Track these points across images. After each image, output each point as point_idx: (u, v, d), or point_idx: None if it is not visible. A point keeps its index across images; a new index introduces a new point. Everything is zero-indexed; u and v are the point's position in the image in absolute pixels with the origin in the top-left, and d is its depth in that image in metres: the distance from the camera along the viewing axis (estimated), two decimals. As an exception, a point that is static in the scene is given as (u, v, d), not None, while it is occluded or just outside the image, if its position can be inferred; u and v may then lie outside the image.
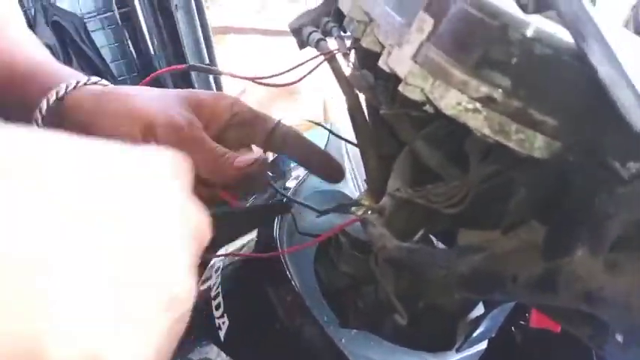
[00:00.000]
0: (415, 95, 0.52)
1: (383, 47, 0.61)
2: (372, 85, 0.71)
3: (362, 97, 0.77)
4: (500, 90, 0.44)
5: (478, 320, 0.70)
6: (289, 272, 0.72)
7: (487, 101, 0.44)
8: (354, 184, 1.18)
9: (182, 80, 3.10)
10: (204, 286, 0.84)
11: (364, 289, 0.82)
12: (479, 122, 0.46)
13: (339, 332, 0.73)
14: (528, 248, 0.47)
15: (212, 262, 0.89)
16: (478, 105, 0.45)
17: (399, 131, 0.63)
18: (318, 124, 1.08)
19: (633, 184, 0.39)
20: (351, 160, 1.14)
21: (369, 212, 0.63)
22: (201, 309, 0.82)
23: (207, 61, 3.15)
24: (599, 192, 0.40)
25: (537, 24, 0.43)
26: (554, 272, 0.45)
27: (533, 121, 0.44)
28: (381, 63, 0.60)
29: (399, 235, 0.56)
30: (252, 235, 0.88)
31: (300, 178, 1.01)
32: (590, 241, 0.42)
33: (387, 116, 0.62)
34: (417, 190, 0.60)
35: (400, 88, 0.53)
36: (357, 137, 0.78)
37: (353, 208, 0.69)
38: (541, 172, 0.51)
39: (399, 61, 0.52)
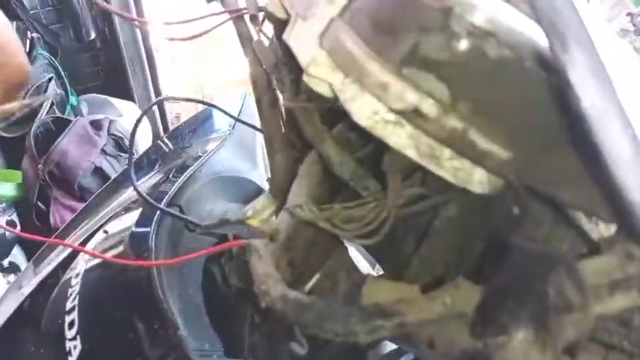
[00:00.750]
0: (322, 89, 0.38)
1: (289, 16, 0.46)
2: (280, 62, 0.56)
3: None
4: (432, 102, 0.30)
5: (396, 356, 0.59)
6: (161, 292, 0.57)
7: (414, 116, 0.31)
8: (265, 166, 1.03)
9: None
10: (59, 291, 0.67)
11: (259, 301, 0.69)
12: (401, 140, 0.33)
13: (222, 365, 0.59)
14: (452, 318, 0.35)
15: (74, 263, 0.72)
16: (402, 119, 0.32)
17: (304, 128, 0.48)
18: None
19: (608, 254, 0.28)
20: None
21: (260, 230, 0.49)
22: (51, 320, 0.65)
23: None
24: (553, 262, 0.29)
25: (493, 11, 0.29)
26: (483, 354, 0.33)
27: (474, 150, 0.31)
28: (285, 37, 0.45)
29: (291, 274, 0.42)
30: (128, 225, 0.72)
31: (199, 160, 0.84)
32: (536, 322, 0.30)
33: (290, 107, 0.48)
34: (324, 209, 0.46)
35: (304, 77, 0.39)
36: (261, 123, 0.62)
37: (242, 222, 0.55)
38: (478, 208, 0.39)
39: (301, 40, 0.38)
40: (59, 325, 0.62)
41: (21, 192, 1.92)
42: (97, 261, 0.71)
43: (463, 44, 0.29)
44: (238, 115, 1.01)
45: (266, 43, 0.62)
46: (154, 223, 0.67)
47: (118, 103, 2.25)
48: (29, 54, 2.03)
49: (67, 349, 0.59)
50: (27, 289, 0.78)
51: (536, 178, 0.30)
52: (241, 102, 1.05)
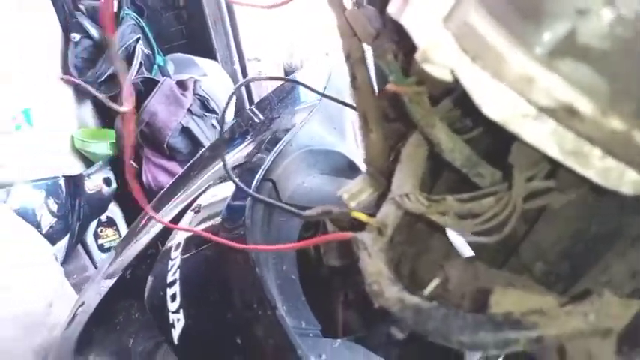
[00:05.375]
0: (441, 73, 0.34)
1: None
2: (378, 34, 0.52)
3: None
4: (588, 99, 0.25)
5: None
6: (258, 270, 0.57)
7: (563, 114, 0.26)
8: (355, 137, 1.00)
9: None
10: (160, 263, 0.69)
11: (357, 279, 0.67)
12: (542, 137, 0.29)
13: (318, 344, 0.59)
14: (595, 333, 0.31)
15: (172, 234, 0.73)
16: (544, 114, 0.28)
17: (412, 111, 0.44)
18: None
19: None
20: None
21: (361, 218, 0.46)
22: (153, 290, 0.67)
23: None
24: None
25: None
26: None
27: (636, 153, 0.26)
28: (391, 9, 0.41)
29: (400, 273, 0.40)
30: (221, 206, 0.72)
31: (289, 133, 0.82)
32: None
33: (397, 91, 0.44)
34: (435, 200, 0.43)
35: (418, 58, 0.35)
36: (355, 100, 0.59)
37: (340, 210, 0.52)
38: (600, 195, 0.34)
39: (419, 19, 0.33)
40: (161, 297, 0.64)
41: (115, 151, 2.01)
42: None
43: (630, 30, 0.24)
44: (325, 86, 0.97)
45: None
46: (248, 200, 0.66)
47: (202, 62, 2.28)
48: (117, 15, 2.08)
49: (171, 321, 0.61)
50: (127, 258, 0.82)
51: None
52: (328, 72, 1.01)
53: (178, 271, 0.65)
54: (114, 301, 0.77)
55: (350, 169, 0.87)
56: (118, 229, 2.06)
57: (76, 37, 2.01)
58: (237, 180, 0.68)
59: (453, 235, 0.47)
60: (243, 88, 2.40)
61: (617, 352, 0.31)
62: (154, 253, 0.74)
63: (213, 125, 2.08)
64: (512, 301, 0.34)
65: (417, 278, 0.47)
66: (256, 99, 2.40)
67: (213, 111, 2.07)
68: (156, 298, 0.65)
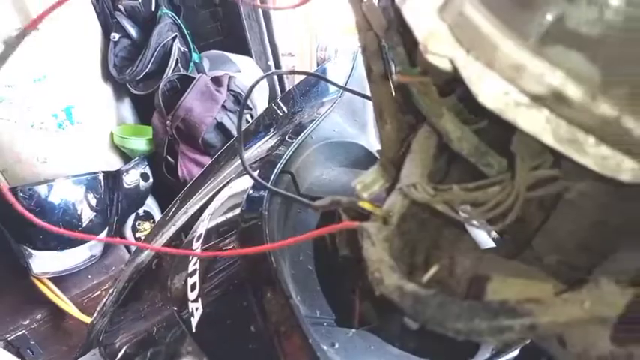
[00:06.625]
0: (441, 63, 0.34)
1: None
2: (388, 26, 0.52)
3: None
4: (577, 85, 0.25)
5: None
6: (274, 259, 0.57)
7: (553, 100, 0.26)
8: (375, 130, 1.00)
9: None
10: (181, 258, 0.71)
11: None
12: (536, 125, 0.28)
13: (332, 334, 0.59)
14: (591, 321, 0.30)
15: (195, 226, 0.75)
16: (537, 102, 0.27)
17: (420, 102, 0.44)
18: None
19: None
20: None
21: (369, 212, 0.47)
22: (175, 280, 0.69)
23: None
24: None
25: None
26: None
27: (628, 139, 0.26)
28: (398, 2, 0.41)
29: (404, 261, 0.40)
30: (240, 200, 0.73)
31: (310, 126, 0.83)
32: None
33: (403, 81, 0.44)
34: (440, 190, 0.42)
35: (421, 48, 0.35)
36: (371, 92, 0.59)
37: (352, 199, 0.52)
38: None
39: (417, 10, 0.33)
40: (182, 286, 0.66)
41: (152, 146, 2.07)
42: (215, 224, 0.74)
43: (620, 15, 0.24)
44: (347, 79, 0.98)
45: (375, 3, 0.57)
46: (267, 192, 0.67)
47: (236, 58, 2.31)
48: (155, 14, 2.14)
49: (190, 310, 0.63)
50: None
51: None
52: (351, 65, 1.02)
53: (198, 261, 0.67)
54: (140, 291, 0.79)
55: (370, 161, 0.87)
56: (154, 223, 2.12)
57: (115, 36, 2.07)
58: (254, 173, 0.70)
59: (473, 228, 0.46)
60: (276, 83, 2.42)
61: (613, 340, 0.30)
62: (178, 244, 0.76)
63: (247, 121, 2.11)
64: (510, 290, 0.34)
65: (429, 268, 0.47)
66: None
67: (247, 106, 2.10)
68: (177, 287, 0.67)
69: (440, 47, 0.31)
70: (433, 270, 0.41)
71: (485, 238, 0.71)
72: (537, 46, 0.25)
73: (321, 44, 2.76)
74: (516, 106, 0.28)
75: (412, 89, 0.44)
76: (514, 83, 0.27)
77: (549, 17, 0.25)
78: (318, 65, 2.71)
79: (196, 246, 0.70)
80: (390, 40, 0.49)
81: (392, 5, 0.52)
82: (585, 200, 0.40)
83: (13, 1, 1.78)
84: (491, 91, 0.29)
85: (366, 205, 0.43)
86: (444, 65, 0.34)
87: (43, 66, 1.76)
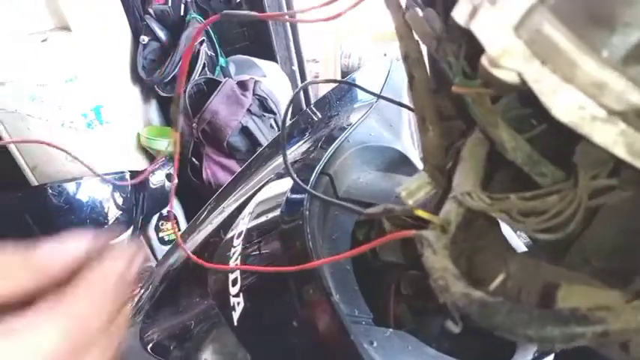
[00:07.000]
0: (508, 77, 0.35)
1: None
2: (440, 36, 0.53)
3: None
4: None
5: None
6: (315, 257, 0.59)
7: (635, 117, 0.27)
8: (412, 135, 1.01)
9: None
10: (222, 250, 0.73)
11: (411, 274, 0.69)
12: (609, 139, 0.30)
13: (370, 332, 0.60)
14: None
15: (235, 224, 0.77)
16: (615, 117, 0.29)
17: (474, 112, 0.46)
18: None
19: None
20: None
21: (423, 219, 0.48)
22: (216, 275, 0.71)
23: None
24: None
25: None
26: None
27: None
28: (457, 15, 0.42)
29: (463, 269, 0.41)
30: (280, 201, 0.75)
31: (347, 130, 0.85)
32: None
33: (462, 93, 0.45)
34: (497, 199, 0.44)
35: (485, 63, 0.36)
36: (413, 100, 0.60)
37: (400, 206, 0.54)
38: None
39: (489, 27, 0.35)
40: (224, 282, 0.68)
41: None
42: (255, 223, 0.76)
43: None
44: (383, 86, 0.99)
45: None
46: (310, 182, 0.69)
47: (262, 63, 2.34)
48: (183, 18, 2.18)
49: (232, 304, 0.65)
50: (190, 247, 0.87)
51: None
52: (386, 71, 1.03)
53: (239, 257, 0.69)
54: (177, 287, 0.82)
55: (405, 165, 0.88)
56: (177, 223, 2.15)
57: (144, 39, 2.11)
58: (295, 176, 0.72)
59: (508, 233, 0.47)
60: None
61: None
62: (217, 242, 0.78)
63: (271, 125, 2.14)
64: (579, 297, 0.35)
65: (474, 274, 0.48)
66: (313, 99, 2.45)
67: (271, 111, 2.12)
68: (218, 282, 0.69)
69: (513, 62, 0.33)
70: (500, 278, 0.43)
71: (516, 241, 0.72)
72: (619, 65, 0.27)
73: (345, 51, 2.79)
74: (592, 121, 0.30)
75: (467, 99, 0.46)
76: (594, 99, 0.28)
77: (633, 38, 0.26)
78: (342, 72, 2.74)
79: (237, 242, 0.72)
80: (441, 50, 0.51)
81: (441, 16, 0.53)
82: (623, 206, 0.41)
83: (47, 2, 1.83)
84: (566, 105, 0.30)
85: (423, 214, 0.44)
86: (511, 79, 0.35)
87: (74, 67, 1.80)
